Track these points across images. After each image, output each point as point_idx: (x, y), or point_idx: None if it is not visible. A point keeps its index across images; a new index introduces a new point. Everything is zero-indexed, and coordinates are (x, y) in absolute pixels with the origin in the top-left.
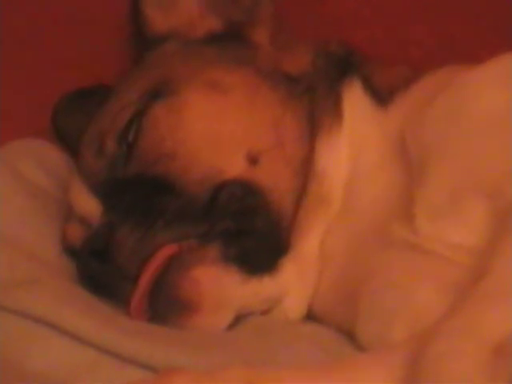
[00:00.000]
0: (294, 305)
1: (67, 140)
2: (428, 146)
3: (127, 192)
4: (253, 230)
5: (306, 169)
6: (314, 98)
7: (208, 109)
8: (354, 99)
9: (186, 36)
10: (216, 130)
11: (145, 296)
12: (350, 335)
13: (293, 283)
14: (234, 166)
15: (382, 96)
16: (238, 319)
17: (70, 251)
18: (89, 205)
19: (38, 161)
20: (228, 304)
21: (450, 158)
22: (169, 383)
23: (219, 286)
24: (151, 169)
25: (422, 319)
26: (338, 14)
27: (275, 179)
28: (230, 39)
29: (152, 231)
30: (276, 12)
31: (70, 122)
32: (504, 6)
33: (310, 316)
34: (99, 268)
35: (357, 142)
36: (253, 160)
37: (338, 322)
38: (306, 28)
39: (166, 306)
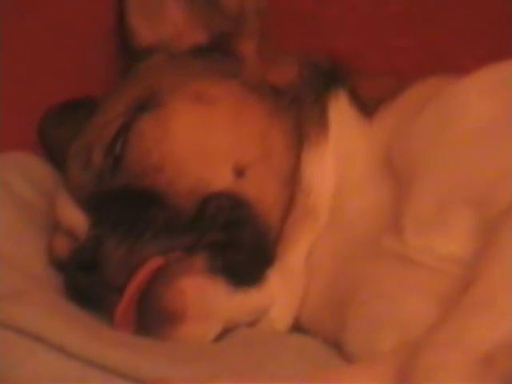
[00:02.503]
0: (281, 316)
1: (54, 152)
2: (414, 157)
3: (114, 204)
4: (239, 242)
5: (293, 181)
6: (300, 110)
7: (194, 121)
8: (341, 111)
9: (173, 48)
10: (202, 142)
11: (131, 308)
12: (337, 346)
13: (279, 295)
14: (221, 178)
15: (368, 107)
16: (225, 331)
17: (57, 264)
18: (75, 217)
19: (24, 173)
20: (214, 315)
21: (436, 169)
22: None
23: (205, 297)
24: (138, 181)
25: (410, 330)
26: (321, 24)
27: (262, 191)
28: (217, 51)
29: (139, 244)
30: (262, 24)
31: (56, 134)
32: (488, 17)
33: (297, 327)
34: (86, 280)
35: (343, 154)
36: (240, 172)
37: (325, 333)
38: (290, 39)
39: (152, 318)
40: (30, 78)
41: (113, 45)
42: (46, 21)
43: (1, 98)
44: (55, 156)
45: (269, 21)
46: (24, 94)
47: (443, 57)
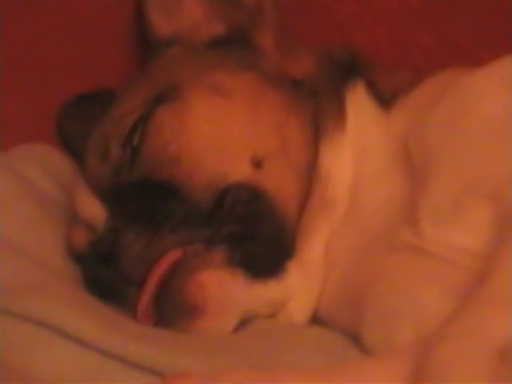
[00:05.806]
0: (299, 308)
1: (72, 145)
2: (431, 149)
3: (132, 197)
4: (258, 234)
5: (310, 172)
6: (317, 102)
7: (212, 113)
8: (358, 103)
9: (190, 40)
10: (220, 134)
11: (151, 300)
12: (355, 338)
13: (298, 287)
14: (239, 170)
15: (385, 100)
16: (243, 323)
17: (75, 256)
18: (94, 210)
19: (42, 166)
20: (233, 308)
21: (452, 162)
22: None
23: (225, 289)
24: (156, 173)
25: (427, 323)
26: (340, 18)
27: (280, 183)
28: (234, 43)
29: (157, 236)
30: (279, 16)
31: (74, 127)
32: (505, 10)
33: (315, 319)
34: (104, 273)
35: (361, 146)
36: (257, 164)
37: (343, 326)
38: (309, 32)
39: (172, 311)
40: (47, 71)
41: (130, 37)
42: (63, 14)
43: (18, 92)
44: (74, 148)
45: (286, 14)
46: (41, 88)
47: (461, 51)
